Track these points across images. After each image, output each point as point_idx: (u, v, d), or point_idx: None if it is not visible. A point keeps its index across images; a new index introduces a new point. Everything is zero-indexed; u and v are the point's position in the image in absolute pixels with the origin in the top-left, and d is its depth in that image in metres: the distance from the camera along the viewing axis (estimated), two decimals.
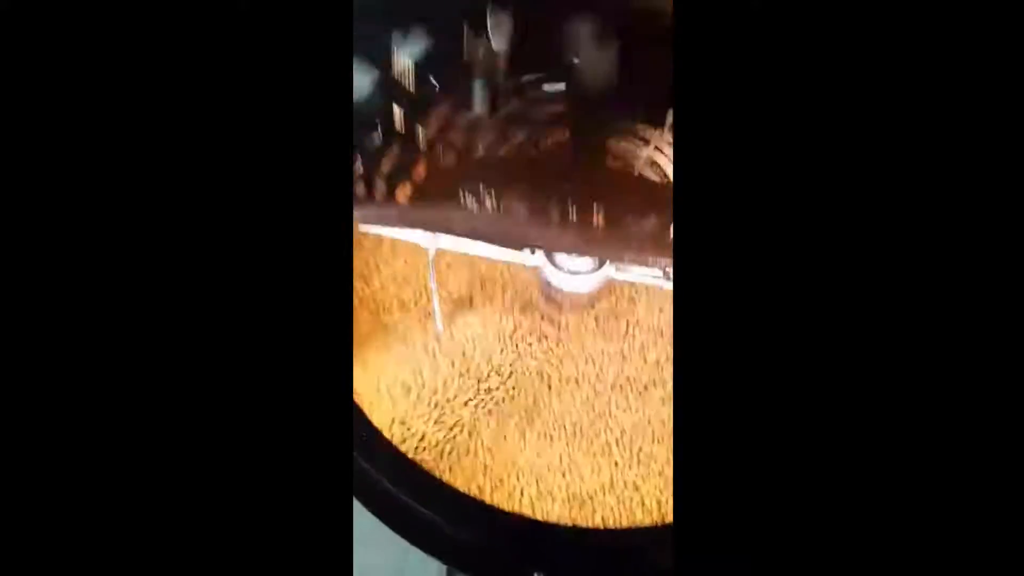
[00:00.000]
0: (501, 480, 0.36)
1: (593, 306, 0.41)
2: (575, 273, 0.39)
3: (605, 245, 0.36)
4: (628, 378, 0.39)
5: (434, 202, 0.35)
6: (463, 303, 0.41)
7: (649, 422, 0.37)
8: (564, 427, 0.38)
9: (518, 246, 0.39)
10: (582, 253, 0.38)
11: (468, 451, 0.37)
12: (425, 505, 0.35)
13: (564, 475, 0.36)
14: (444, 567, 0.49)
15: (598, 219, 0.35)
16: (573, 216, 0.35)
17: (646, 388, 0.38)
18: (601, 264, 0.39)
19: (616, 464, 0.36)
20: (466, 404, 0.38)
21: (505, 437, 0.37)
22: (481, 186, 0.35)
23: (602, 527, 0.34)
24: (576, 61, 0.35)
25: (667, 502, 0.36)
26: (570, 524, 0.34)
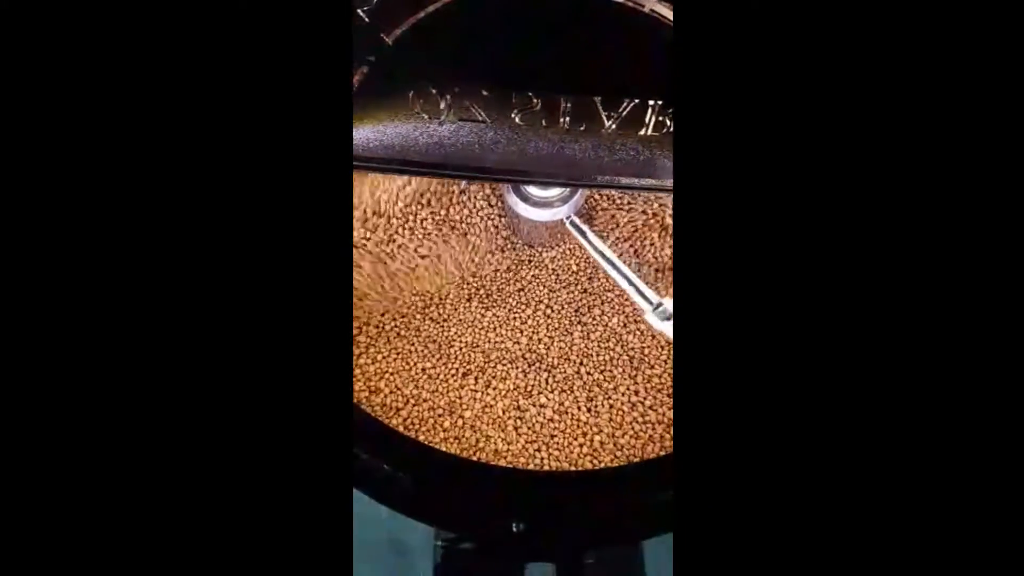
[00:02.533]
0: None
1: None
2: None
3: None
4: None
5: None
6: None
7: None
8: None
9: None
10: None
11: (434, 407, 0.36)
12: (402, 469, 0.34)
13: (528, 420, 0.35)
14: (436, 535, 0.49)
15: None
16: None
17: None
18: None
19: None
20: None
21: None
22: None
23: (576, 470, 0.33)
24: None
25: (631, 444, 0.35)
26: (547, 470, 0.33)
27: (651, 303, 0.35)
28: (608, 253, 0.37)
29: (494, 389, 0.38)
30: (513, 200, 0.37)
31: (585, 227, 0.38)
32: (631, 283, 0.36)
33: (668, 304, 0.35)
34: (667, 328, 0.35)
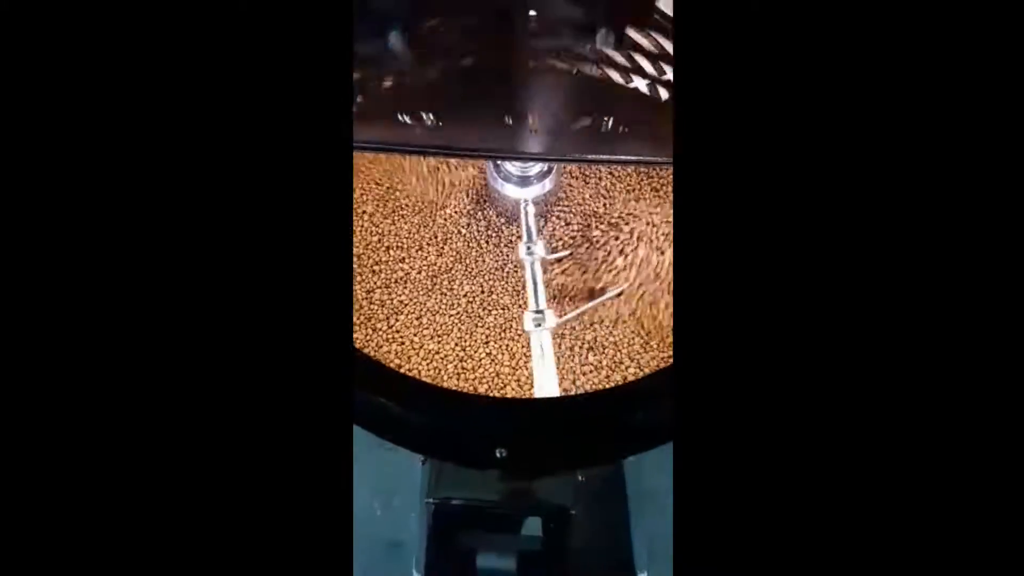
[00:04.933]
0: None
1: None
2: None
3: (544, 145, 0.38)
4: None
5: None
6: None
7: None
8: None
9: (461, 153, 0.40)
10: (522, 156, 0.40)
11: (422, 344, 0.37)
12: (389, 398, 0.35)
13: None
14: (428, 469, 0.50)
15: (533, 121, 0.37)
16: (509, 120, 0.37)
17: None
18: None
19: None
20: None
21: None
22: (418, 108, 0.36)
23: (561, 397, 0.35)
24: None
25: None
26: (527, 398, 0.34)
27: (536, 308, 0.37)
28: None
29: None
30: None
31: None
32: (534, 282, 0.39)
33: (549, 318, 0.37)
34: (534, 336, 0.37)
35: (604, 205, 0.47)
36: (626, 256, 0.44)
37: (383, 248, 0.46)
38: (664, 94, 0.34)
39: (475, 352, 0.41)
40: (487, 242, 0.46)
